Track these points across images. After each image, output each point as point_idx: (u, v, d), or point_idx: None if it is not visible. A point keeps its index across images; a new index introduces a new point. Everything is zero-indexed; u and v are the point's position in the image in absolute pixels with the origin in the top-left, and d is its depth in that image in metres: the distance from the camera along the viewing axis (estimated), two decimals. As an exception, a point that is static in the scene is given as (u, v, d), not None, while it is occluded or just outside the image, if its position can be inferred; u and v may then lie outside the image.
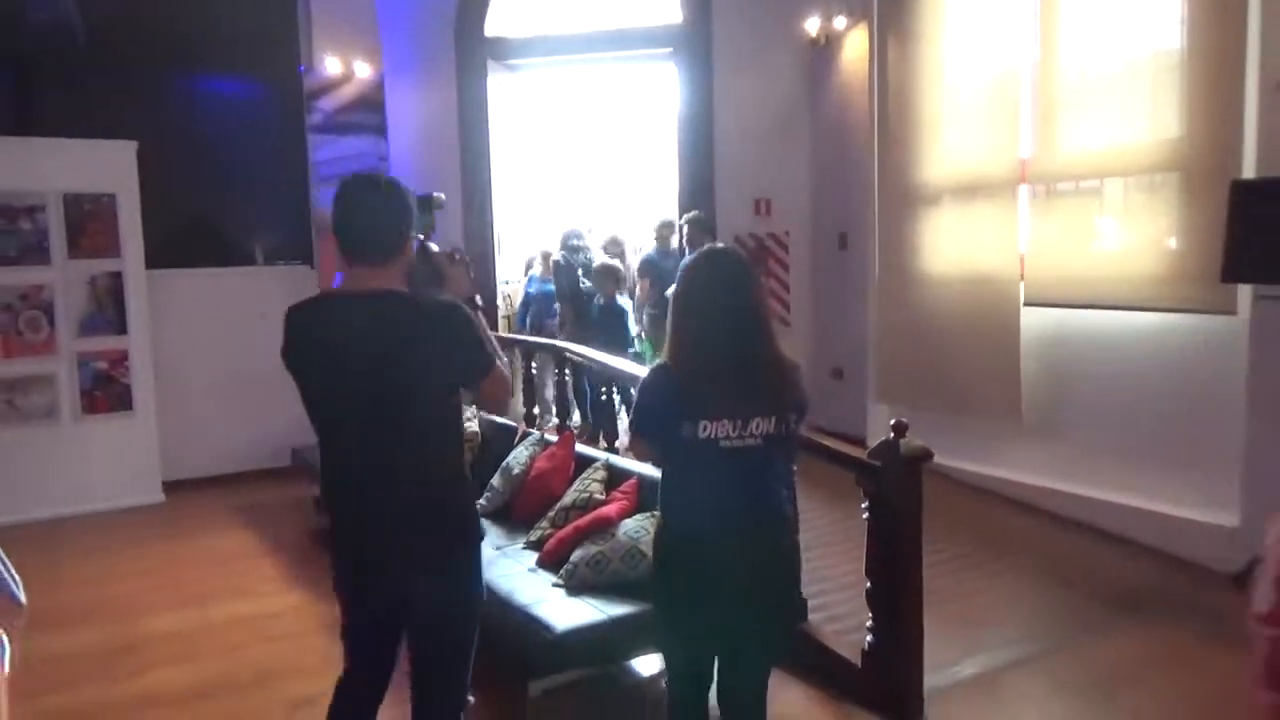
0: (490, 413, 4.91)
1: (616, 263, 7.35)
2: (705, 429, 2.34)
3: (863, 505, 3.51)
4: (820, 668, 3.68)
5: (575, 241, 7.54)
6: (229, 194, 7.58)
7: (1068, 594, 4.49)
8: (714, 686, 2.59)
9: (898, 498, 3.38)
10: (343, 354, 2.28)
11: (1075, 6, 5.50)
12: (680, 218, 7.26)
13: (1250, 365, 4.55)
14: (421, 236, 2.52)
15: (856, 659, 3.55)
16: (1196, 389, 4.87)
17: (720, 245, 2.69)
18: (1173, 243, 5.08)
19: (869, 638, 3.50)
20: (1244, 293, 4.57)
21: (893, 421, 3.41)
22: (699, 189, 7.63)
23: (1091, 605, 4.35)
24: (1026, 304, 5.68)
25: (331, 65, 7.24)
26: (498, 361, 2.37)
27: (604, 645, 3.39)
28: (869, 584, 3.50)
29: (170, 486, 6.71)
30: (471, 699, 2.59)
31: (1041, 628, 4.18)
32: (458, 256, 2.60)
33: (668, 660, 2.74)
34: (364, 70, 7.31)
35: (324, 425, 2.39)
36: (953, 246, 6.19)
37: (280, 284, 7.28)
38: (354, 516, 2.40)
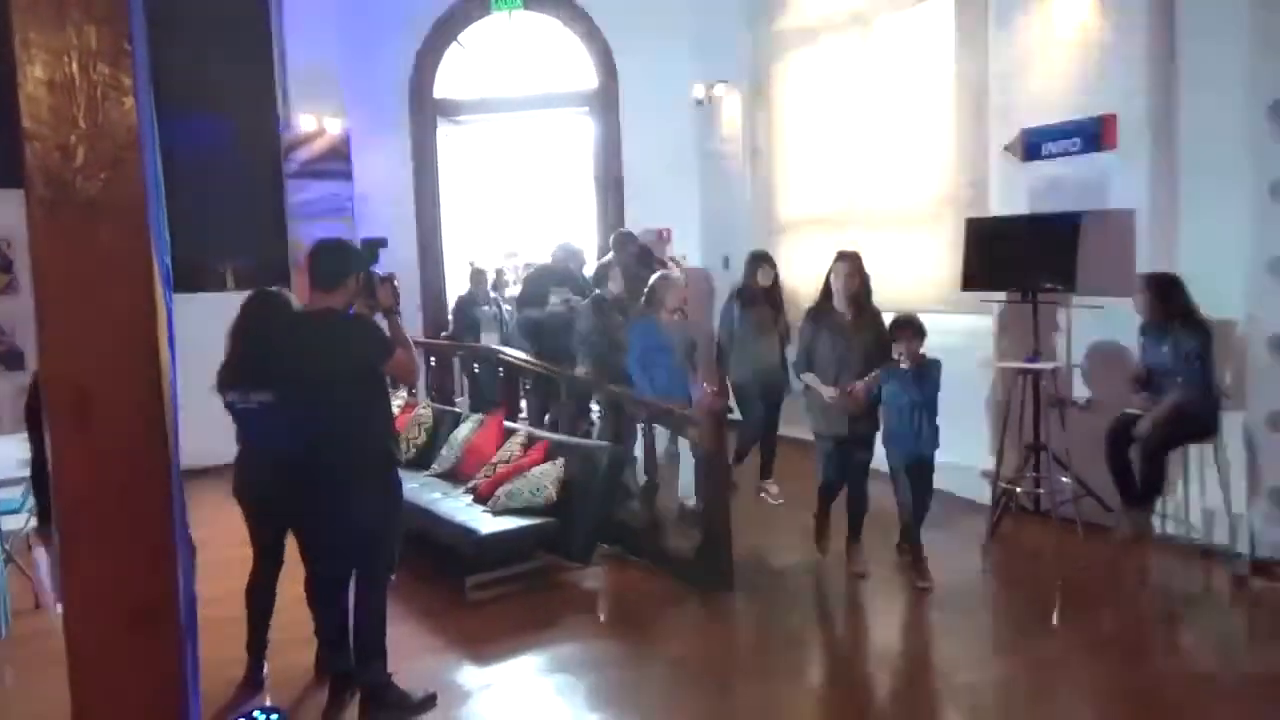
0: (403, 385, 6.34)
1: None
2: None
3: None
4: (665, 558, 5.26)
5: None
6: (222, 230, 8.93)
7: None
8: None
9: (712, 444, 5.00)
10: (301, 349, 3.60)
11: (886, 80, 7.25)
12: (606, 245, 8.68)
13: (995, 351, 6.26)
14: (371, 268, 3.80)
15: (691, 554, 5.14)
16: (969, 370, 6.52)
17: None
18: (948, 264, 6.80)
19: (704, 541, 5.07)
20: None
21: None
22: (612, 220, 9.29)
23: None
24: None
25: (305, 122, 8.70)
26: (398, 351, 3.62)
27: (515, 545, 5.00)
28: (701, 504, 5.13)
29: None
30: (393, 576, 3.87)
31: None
32: (383, 280, 3.79)
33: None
34: (333, 126, 8.78)
35: (284, 394, 3.65)
36: (805, 265, 7.87)
37: (266, 305, 8.78)
38: (319, 455, 3.57)
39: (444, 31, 9.36)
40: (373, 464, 3.62)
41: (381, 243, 4.01)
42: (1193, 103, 5.17)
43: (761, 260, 6.77)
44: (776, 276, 6.79)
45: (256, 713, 3.09)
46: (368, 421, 3.62)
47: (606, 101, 9.34)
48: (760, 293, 6.63)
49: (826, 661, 4.45)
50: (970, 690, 3.89)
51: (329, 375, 3.52)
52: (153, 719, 2.12)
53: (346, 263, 3.67)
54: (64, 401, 1.73)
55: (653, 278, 6.09)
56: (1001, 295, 5.96)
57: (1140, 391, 5.01)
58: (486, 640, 4.48)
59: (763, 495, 6.61)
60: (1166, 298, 4.74)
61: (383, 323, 3.78)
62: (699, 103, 9.01)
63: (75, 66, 1.65)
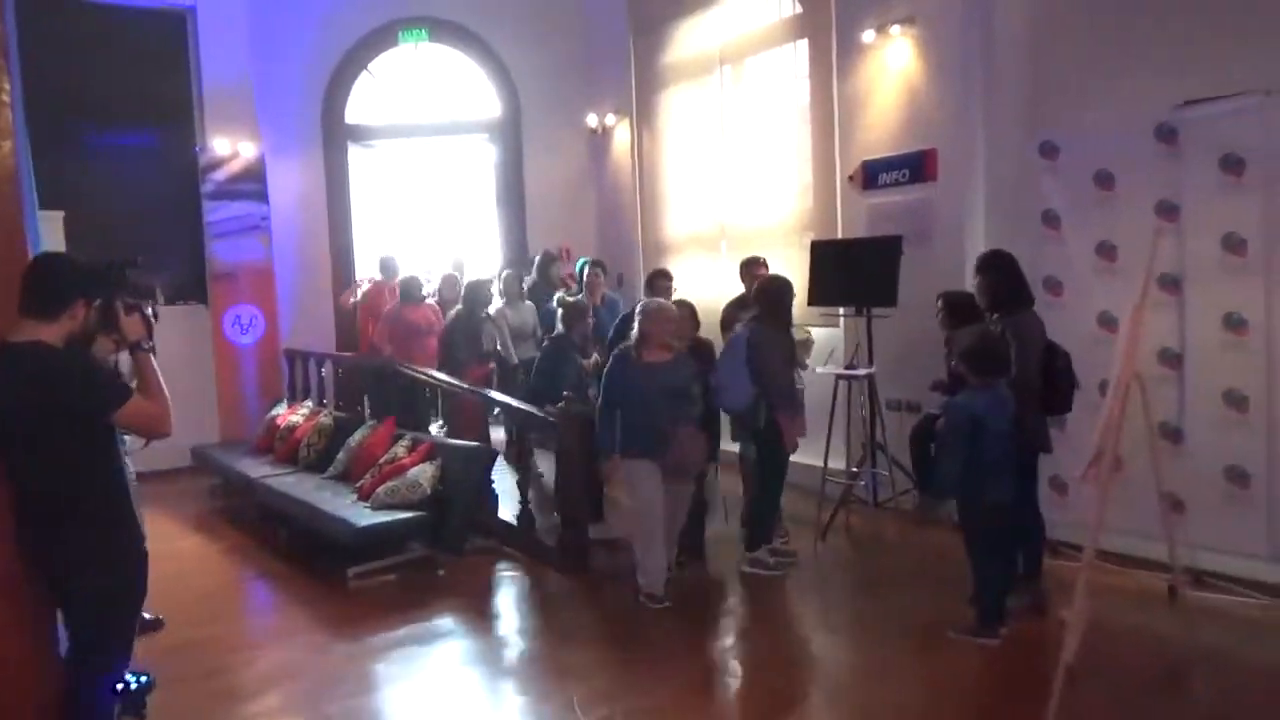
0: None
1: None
2: None
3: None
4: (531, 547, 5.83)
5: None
6: (145, 246, 9.28)
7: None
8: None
9: (569, 440, 5.57)
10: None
11: (751, 113, 7.96)
12: (502, 267, 9.23)
13: (846, 358, 6.92)
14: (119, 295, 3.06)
15: (553, 542, 5.71)
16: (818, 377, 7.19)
17: None
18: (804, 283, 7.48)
19: (562, 529, 5.65)
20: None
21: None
22: (515, 239, 9.89)
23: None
24: (729, 323, 8.02)
25: (221, 146, 9.12)
26: (132, 400, 2.88)
27: (390, 536, 5.52)
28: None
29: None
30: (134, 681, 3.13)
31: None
32: (129, 307, 3.05)
33: None
34: (247, 149, 9.21)
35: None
36: (690, 282, 8.51)
37: (181, 319, 9.19)
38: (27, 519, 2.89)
39: (354, 60, 9.87)
40: (89, 533, 2.92)
41: (130, 262, 3.28)
42: (990, 140, 5.93)
43: (663, 277, 6.80)
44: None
45: (129, 675, 3.53)
46: (82, 483, 2.89)
47: (508, 129, 9.94)
48: None
49: (658, 628, 5.01)
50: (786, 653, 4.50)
51: (28, 425, 2.81)
52: (23, 671, 2.53)
53: (69, 286, 2.90)
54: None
55: (638, 305, 5.27)
56: (841, 310, 6.65)
57: (943, 394, 5.68)
58: (361, 620, 4.96)
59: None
60: (954, 311, 5.38)
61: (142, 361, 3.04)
62: (593, 131, 9.65)
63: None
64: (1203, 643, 4.06)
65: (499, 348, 7.80)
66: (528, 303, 8.11)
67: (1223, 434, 4.73)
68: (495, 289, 8.18)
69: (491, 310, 7.75)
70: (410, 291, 8.19)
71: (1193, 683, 3.46)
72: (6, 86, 2.11)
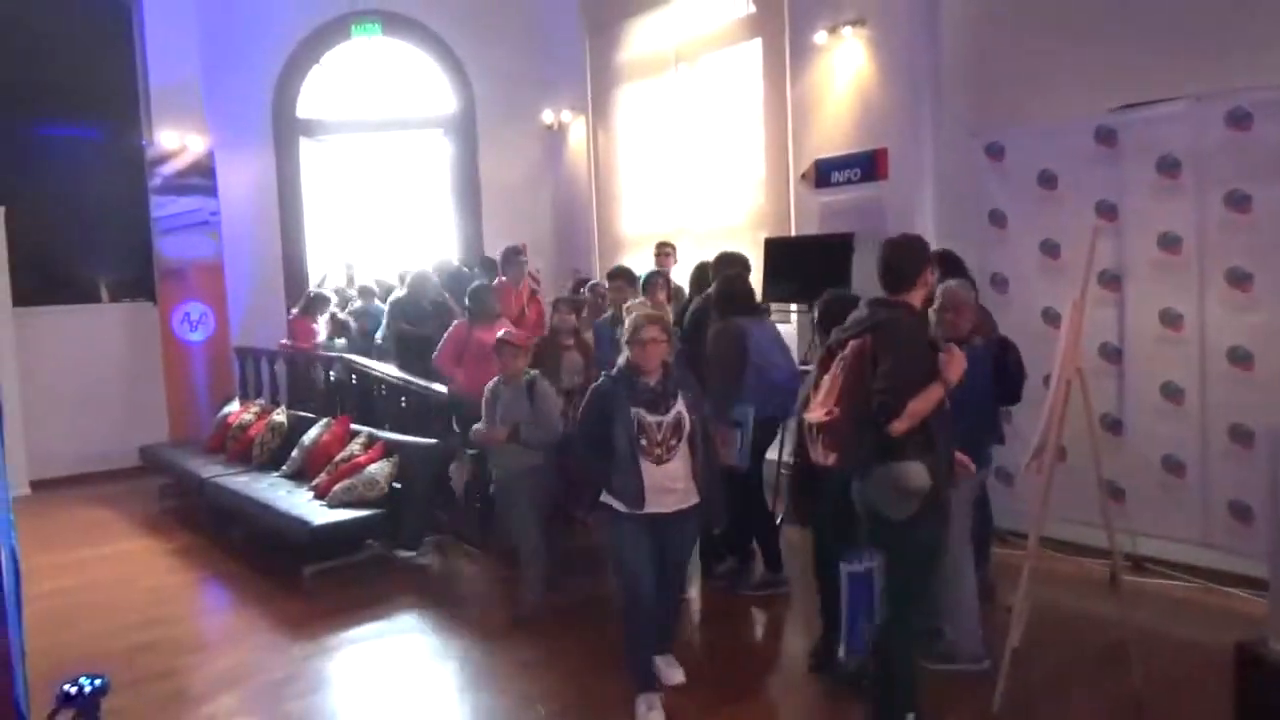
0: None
1: None
2: None
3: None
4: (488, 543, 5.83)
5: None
6: (92, 242, 9.16)
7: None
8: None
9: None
10: None
11: (707, 111, 8.04)
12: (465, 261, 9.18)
13: (799, 354, 7.03)
14: None
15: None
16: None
17: None
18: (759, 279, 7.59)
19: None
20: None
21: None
22: (470, 235, 9.85)
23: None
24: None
25: (168, 140, 8.96)
26: None
27: (346, 534, 5.50)
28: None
29: (36, 484, 8.22)
30: None
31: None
32: None
33: None
34: (195, 144, 9.05)
35: None
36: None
37: (128, 317, 9.04)
38: None
39: (306, 53, 9.75)
40: None
41: None
42: (938, 140, 6.08)
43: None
44: None
45: (82, 678, 3.50)
46: None
47: (463, 124, 9.90)
48: None
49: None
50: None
51: None
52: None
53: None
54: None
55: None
56: (794, 307, 6.77)
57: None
58: (318, 618, 4.94)
59: None
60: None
61: None
62: (549, 128, 9.66)
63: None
64: (1141, 624, 4.23)
65: None
66: None
67: (1160, 425, 4.91)
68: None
69: None
70: (482, 308, 6.39)
71: (1130, 661, 3.62)
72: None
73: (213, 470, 6.87)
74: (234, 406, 7.91)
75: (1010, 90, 5.66)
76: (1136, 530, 4.94)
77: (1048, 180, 5.27)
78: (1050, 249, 5.28)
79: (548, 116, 9.65)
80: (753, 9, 7.61)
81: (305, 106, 9.83)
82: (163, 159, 8.99)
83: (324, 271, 9.86)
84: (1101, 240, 4.43)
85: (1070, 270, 5.01)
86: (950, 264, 4.70)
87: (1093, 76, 5.20)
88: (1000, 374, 4.57)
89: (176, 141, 8.97)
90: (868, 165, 6.53)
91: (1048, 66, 5.44)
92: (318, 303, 8.52)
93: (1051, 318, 5.20)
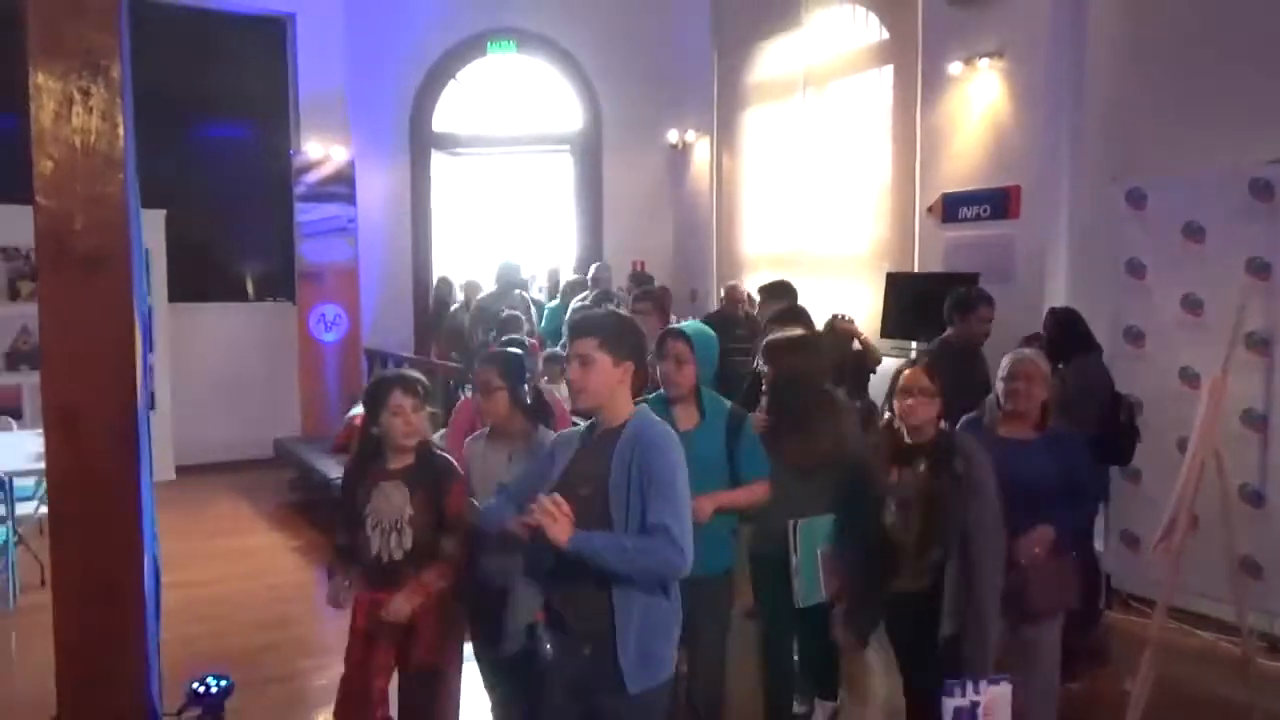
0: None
1: None
2: None
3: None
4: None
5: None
6: (233, 244, 9.81)
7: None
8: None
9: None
10: None
11: (834, 137, 7.95)
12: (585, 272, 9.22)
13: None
14: None
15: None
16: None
17: None
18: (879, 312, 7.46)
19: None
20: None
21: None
22: (590, 251, 10.02)
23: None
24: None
25: (314, 150, 9.46)
26: None
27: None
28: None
29: (181, 470, 8.78)
30: None
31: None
32: None
33: None
34: (339, 154, 9.53)
35: None
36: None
37: (270, 315, 9.59)
38: None
39: (444, 69, 10.12)
40: None
41: None
42: (1075, 182, 5.84)
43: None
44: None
45: (209, 678, 3.72)
46: None
47: (589, 141, 10.08)
48: None
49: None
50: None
51: None
52: (117, 682, 2.70)
53: None
54: (57, 416, 2.28)
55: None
56: (913, 344, 6.62)
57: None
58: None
59: None
60: None
61: None
62: (673, 147, 9.74)
63: (80, 153, 2.26)
64: (1275, 712, 3.96)
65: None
66: None
67: (1307, 499, 4.59)
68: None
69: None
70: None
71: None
72: (119, 101, 2.22)
73: (339, 472, 7.18)
74: (361, 409, 8.23)
75: (1156, 134, 5.39)
76: (1275, 610, 4.63)
77: (1194, 232, 4.98)
78: (1193, 305, 4.99)
79: (672, 136, 9.73)
80: (886, 36, 7.49)
81: (440, 120, 10.20)
82: (308, 168, 9.47)
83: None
84: (1251, 300, 4.18)
85: (1213, 328, 4.74)
86: (1067, 328, 4.57)
87: (1249, 124, 4.90)
88: (1110, 431, 4.40)
89: (321, 151, 9.45)
90: (998, 202, 6.34)
91: (1199, 111, 5.15)
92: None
93: (1189, 377, 4.92)
